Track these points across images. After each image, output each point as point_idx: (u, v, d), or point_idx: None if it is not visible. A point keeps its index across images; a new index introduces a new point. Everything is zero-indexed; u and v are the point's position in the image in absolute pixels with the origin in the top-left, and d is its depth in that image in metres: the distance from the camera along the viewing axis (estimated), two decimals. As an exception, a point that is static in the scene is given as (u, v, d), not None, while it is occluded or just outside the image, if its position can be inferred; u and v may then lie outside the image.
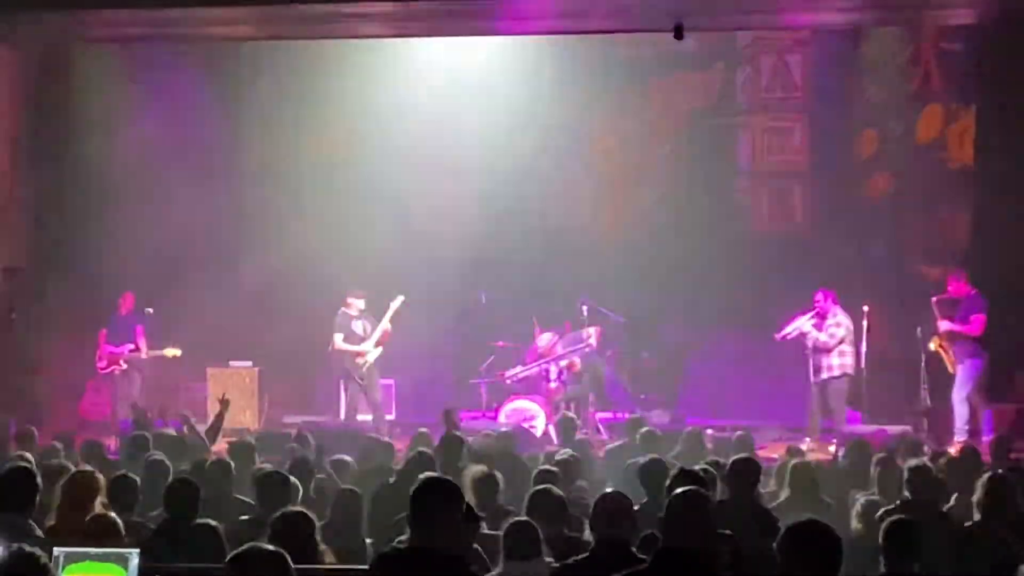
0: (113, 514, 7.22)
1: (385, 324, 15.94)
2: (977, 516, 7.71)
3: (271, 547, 4.88)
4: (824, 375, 15.39)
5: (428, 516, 5.31)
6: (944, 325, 15.10)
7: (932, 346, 15.25)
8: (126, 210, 17.55)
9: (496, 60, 18.31)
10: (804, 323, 15.40)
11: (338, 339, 16.00)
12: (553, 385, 15.95)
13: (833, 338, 15.31)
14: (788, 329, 15.50)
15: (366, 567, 6.44)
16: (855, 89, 17.58)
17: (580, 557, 6.37)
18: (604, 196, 18.98)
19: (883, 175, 17.41)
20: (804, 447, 13.93)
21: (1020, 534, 7.43)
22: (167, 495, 7.89)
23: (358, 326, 16.01)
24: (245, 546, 4.94)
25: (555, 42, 18.24)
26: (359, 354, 15.89)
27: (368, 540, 8.12)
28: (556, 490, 7.54)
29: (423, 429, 12.41)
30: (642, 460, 9.03)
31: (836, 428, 14.99)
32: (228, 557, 4.86)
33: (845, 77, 17.64)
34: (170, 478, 8.74)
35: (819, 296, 15.47)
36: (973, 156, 17.60)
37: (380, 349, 16.02)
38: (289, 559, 4.84)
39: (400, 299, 15.95)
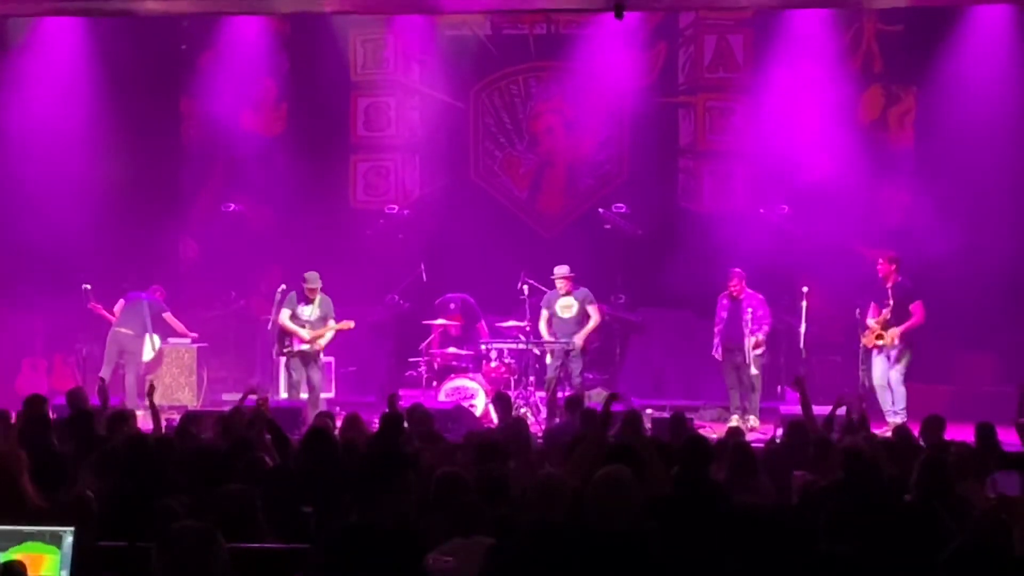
0: None
1: (328, 333, 15.55)
2: (911, 496, 7.76)
3: (201, 524, 4.77)
4: (756, 352, 15.44)
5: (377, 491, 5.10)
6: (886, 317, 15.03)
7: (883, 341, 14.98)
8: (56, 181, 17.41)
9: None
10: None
11: (284, 315, 15.49)
12: (494, 364, 15.93)
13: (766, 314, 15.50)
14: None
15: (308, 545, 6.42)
16: (797, 70, 17.61)
17: (515, 537, 6.33)
18: (545, 174, 18.95)
19: (824, 155, 17.46)
20: (738, 424, 14.00)
21: (953, 513, 7.48)
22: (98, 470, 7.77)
23: (305, 310, 15.52)
24: (175, 525, 4.82)
25: (496, 20, 18.28)
26: (298, 339, 15.46)
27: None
28: (497, 469, 7.52)
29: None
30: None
31: (752, 406, 15.22)
32: (158, 537, 4.70)
33: (787, 58, 17.67)
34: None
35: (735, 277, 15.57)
36: (913, 137, 17.76)
37: (308, 347, 15.47)
38: (220, 536, 4.74)
39: (351, 324, 15.67)
